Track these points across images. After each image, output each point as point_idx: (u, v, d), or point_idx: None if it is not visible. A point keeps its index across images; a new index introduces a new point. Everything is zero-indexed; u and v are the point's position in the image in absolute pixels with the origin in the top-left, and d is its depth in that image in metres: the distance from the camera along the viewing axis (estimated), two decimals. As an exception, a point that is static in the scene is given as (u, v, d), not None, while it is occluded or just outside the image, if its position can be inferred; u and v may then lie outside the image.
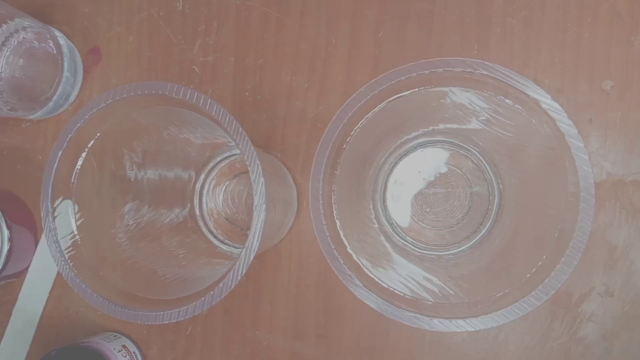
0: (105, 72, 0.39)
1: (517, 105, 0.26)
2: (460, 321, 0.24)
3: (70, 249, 0.27)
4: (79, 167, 0.28)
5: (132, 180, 0.31)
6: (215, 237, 0.38)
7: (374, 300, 0.25)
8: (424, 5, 0.36)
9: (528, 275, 0.25)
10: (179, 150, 0.34)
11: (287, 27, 0.37)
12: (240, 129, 0.25)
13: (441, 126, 0.33)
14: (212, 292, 0.25)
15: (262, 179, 0.25)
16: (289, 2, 0.37)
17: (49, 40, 0.37)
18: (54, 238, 0.27)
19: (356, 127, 0.27)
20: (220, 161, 0.38)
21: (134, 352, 0.36)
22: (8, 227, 0.36)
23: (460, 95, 0.27)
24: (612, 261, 0.33)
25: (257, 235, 0.25)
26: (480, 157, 0.34)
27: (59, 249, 0.27)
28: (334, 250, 0.25)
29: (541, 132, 0.25)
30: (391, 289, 0.26)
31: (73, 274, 0.27)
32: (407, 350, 0.35)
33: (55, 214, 0.27)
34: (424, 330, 0.35)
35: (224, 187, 0.38)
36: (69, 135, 0.27)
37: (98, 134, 0.28)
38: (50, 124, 0.40)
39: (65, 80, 0.38)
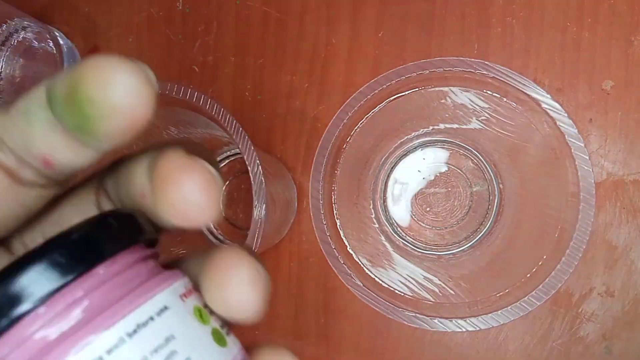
0: (105, 72, 0.39)
1: (517, 105, 0.26)
2: (460, 321, 0.24)
3: (70, 249, 0.27)
4: (79, 167, 0.28)
5: (132, 180, 0.31)
6: (215, 237, 0.38)
7: (374, 300, 0.25)
8: (424, 5, 0.35)
9: (528, 275, 0.25)
10: (179, 150, 0.34)
11: (287, 27, 0.37)
12: (240, 128, 0.25)
13: (441, 126, 0.33)
14: (212, 292, 0.25)
15: (262, 179, 0.25)
16: (289, 2, 0.37)
17: (49, 40, 0.37)
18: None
19: (356, 127, 0.27)
20: (220, 161, 0.38)
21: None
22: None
23: (460, 95, 0.27)
24: (612, 261, 0.33)
25: (257, 235, 0.25)
26: (481, 157, 0.34)
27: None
28: (334, 250, 0.25)
29: (541, 132, 0.25)
30: (391, 288, 0.26)
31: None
32: (408, 350, 0.35)
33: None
34: (424, 330, 0.35)
35: (224, 187, 0.38)
36: (69, 135, 0.27)
37: (98, 134, 0.28)
38: (50, 124, 0.40)
39: (65, 80, 0.38)
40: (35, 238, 0.13)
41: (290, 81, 0.37)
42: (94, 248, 0.11)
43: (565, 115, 0.24)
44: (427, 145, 0.35)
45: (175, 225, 0.11)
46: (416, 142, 0.35)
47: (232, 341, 0.12)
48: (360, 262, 0.27)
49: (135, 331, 0.11)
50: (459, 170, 0.35)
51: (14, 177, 0.11)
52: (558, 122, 0.24)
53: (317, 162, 0.26)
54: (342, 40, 0.36)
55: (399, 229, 0.35)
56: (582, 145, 0.24)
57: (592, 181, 0.24)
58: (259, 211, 0.25)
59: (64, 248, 0.10)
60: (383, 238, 0.34)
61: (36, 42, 0.36)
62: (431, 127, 0.34)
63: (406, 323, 0.24)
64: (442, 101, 0.28)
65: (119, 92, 0.10)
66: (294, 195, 0.36)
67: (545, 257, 0.25)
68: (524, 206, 0.31)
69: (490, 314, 0.24)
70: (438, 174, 0.35)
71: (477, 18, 0.35)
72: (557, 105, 0.24)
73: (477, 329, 0.24)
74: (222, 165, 0.38)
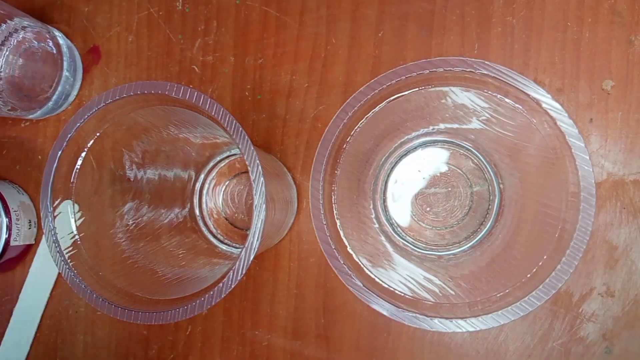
0: (104, 72, 0.39)
1: (517, 105, 0.26)
2: (460, 321, 0.24)
3: (70, 248, 0.27)
4: (79, 166, 0.28)
5: (132, 179, 0.31)
6: (215, 237, 0.38)
7: (374, 300, 0.25)
8: (424, 5, 0.35)
9: (529, 275, 0.25)
10: (178, 150, 0.34)
11: (287, 27, 0.37)
12: (240, 128, 0.25)
13: (442, 126, 0.33)
14: (212, 292, 0.25)
15: (262, 178, 0.25)
16: (288, 1, 0.37)
17: (48, 40, 0.37)
18: (54, 238, 0.27)
19: (356, 127, 0.27)
20: (220, 161, 0.38)
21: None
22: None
23: (460, 95, 0.27)
24: (612, 261, 0.33)
25: (257, 235, 0.25)
26: (481, 157, 0.34)
27: (58, 249, 0.27)
28: (334, 250, 0.25)
29: (542, 131, 0.25)
30: (391, 289, 0.26)
31: (73, 274, 0.27)
32: (408, 351, 0.35)
33: (55, 214, 0.27)
34: (424, 331, 0.35)
35: (224, 186, 0.38)
36: (69, 135, 0.27)
37: (97, 134, 0.28)
38: (50, 124, 0.40)
39: (64, 79, 0.38)
40: None
41: (290, 81, 0.37)
42: None
43: (566, 115, 0.24)
44: (427, 145, 0.35)
45: None
46: (416, 142, 0.35)
47: None
48: (360, 262, 0.27)
49: None
50: (459, 170, 0.35)
51: None
52: (558, 122, 0.24)
53: (317, 162, 0.26)
54: (342, 40, 0.36)
55: (399, 229, 0.35)
56: (583, 145, 0.24)
57: (593, 181, 0.24)
58: (258, 211, 0.25)
59: None
60: (383, 238, 0.34)
61: (36, 42, 0.36)
62: (431, 127, 0.34)
63: (406, 323, 0.24)
64: (443, 101, 0.28)
65: None
66: (293, 195, 0.36)
67: (545, 257, 0.25)
68: (524, 206, 0.31)
69: (490, 314, 0.24)
70: (438, 174, 0.35)
71: (477, 18, 0.35)
72: (557, 105, 0.24)
73: (477, 329, 0.24)
74: (222, 165, 0.38)
